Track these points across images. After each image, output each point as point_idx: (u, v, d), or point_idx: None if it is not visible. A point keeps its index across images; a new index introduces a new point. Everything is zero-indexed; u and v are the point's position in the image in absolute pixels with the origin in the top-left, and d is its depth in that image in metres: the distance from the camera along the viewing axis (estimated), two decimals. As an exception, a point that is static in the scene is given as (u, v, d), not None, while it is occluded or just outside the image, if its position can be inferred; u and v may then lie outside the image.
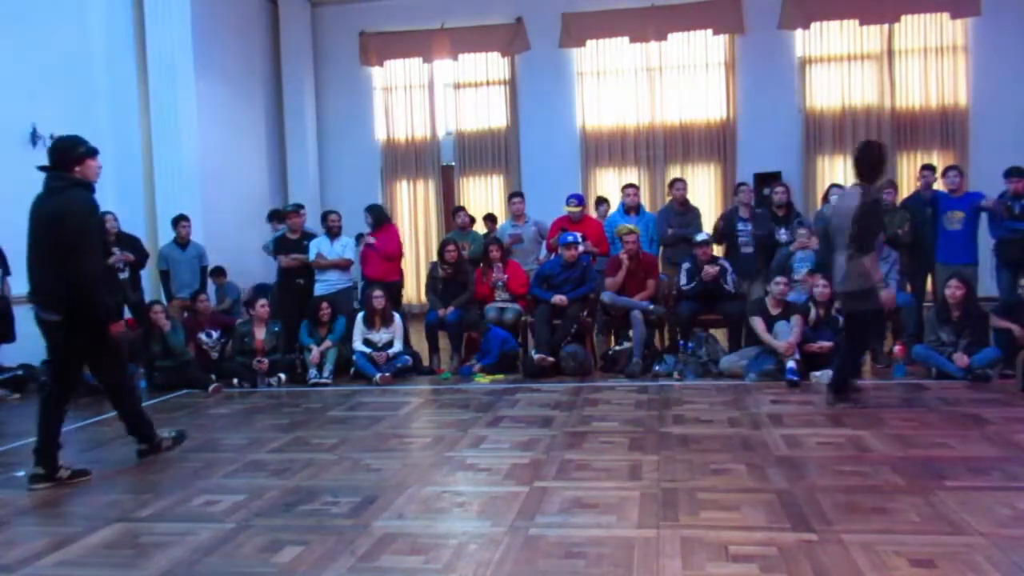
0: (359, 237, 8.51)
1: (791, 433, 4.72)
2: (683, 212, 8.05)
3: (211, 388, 6.84)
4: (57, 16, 8.25)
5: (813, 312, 6.61)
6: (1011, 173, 7.11)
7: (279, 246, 8.08)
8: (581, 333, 7.29)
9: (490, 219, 9.79)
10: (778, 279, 6.67)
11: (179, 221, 8.21)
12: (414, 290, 11.61)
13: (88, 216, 4.20)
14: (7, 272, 7.11)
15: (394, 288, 8.16)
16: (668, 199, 8.43)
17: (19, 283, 7.20)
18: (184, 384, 6.98)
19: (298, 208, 8.32)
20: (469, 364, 7.26)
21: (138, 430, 4.73)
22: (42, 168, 4.33)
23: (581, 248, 7.39)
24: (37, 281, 4.28)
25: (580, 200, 8.05)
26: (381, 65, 12.15)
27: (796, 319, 6.47)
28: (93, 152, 4.34)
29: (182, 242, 8.21)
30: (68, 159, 4.24)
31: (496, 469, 4.19)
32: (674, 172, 10.85)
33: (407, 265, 10.66)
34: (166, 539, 3.32)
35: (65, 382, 4.40)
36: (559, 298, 7.16)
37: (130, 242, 7.79)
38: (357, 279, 8.45)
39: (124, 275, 7.61)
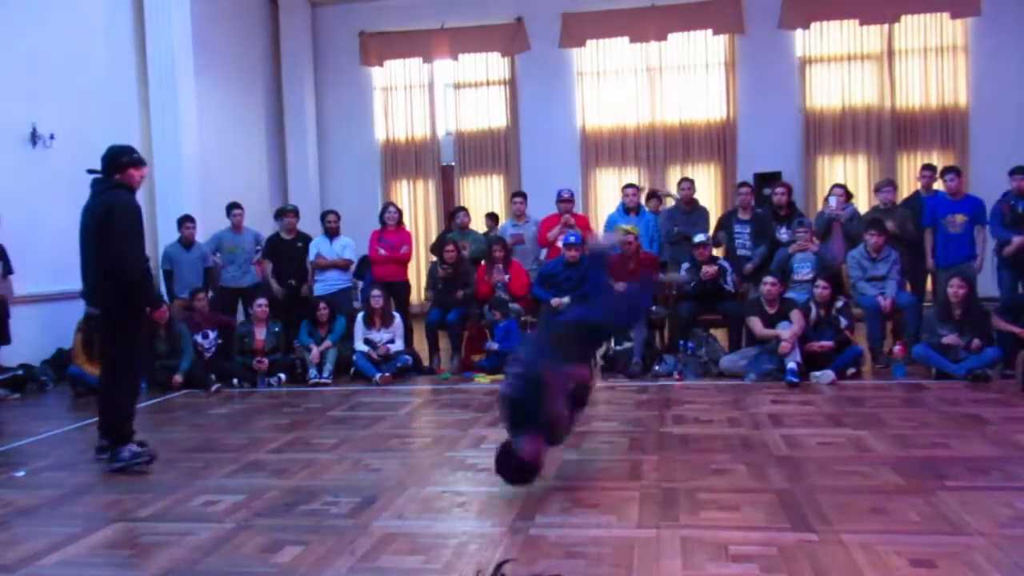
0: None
1: (791, 433, 4.72)
2: (689, 212, 8.04)
3: (213, 388, 6.84)
4: (57, 16, 8.24)
5: (814, 312, 6.60)
6: (1017, 171, 7.07)
7: (272, 247, 8.13)
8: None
9: (491, 218, 9.75)
10: (767, 279, 6.65)
11: (184, 222, 8.19)
12: (415, 290, 11.58)
13: (129, 211, 4.49)
14: (9, 270, 7.11)
15: (402, 289, 8.18)
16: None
17: (20, 282, 7.25)
18: (186, 383, 6.99)
19: (286, 209, 8.36)
20: (470, 371, 7.29)
21: (109, 429, 4.52)
22: (91, 171, 4.61)
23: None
24: (87, 279, 4.62)
25: (572, 195, 8.13)
26: (381, 65, 12.14)
27: (796, 314, 6.46)
28: (138, 162, 4.61)
29: (186, 243, 8.20)
30: (113, 166, 4.53)
31: (496, 469, 4.18)
32: (674, 172, 10.86)
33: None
34: (166, 539, 3.32)
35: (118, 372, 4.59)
36: (557, 301, 7.14)
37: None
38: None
39: None
